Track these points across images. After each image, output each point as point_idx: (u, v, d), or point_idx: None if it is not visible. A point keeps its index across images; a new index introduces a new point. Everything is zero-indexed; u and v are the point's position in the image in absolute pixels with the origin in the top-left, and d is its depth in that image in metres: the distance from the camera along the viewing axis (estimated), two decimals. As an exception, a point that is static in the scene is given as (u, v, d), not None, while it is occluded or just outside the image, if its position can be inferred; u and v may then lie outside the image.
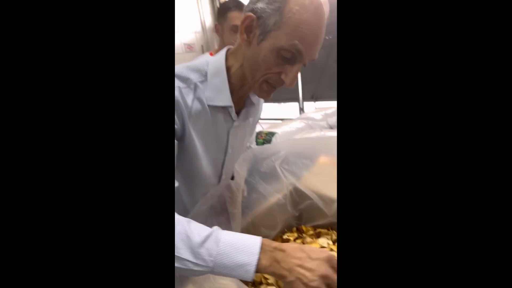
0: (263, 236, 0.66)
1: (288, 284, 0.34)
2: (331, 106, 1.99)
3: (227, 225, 0.54)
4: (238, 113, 0.59)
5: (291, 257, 0.34)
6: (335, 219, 0.64)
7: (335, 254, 0.37)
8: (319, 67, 2.74)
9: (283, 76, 0.48)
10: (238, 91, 0.56)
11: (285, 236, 0.67)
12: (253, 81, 0.51)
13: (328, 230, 0.67)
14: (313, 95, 3.12)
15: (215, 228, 0.39)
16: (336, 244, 0.60)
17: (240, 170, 0.59)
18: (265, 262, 0.34)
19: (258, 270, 0.34)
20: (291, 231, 0.70)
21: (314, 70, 2.76)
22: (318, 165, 0.66)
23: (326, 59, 2.68)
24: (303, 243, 0.62)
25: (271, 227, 0.66)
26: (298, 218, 0.73)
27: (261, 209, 0.64)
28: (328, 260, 0.35)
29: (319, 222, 0.69)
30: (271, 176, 0.66)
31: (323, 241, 0.62)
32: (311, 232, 0.67)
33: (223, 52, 0.56)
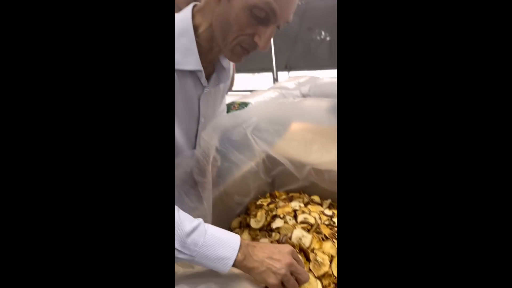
0: (237, 203, 0.67)
1: (259, 275, 0.38)
2: (305, 75, 1.97)
3: (197, 195, 0.52)
4: (207, 78, 0.55)
5: (261, 251, 0.39)
6: (306, 183, 0.66)
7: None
8: (292, 35, 2.65)
9: (256, 39, 0.44)
10: (207, 54, 0.51)
11: (258, 202, 0.68)
12: (224, 44, 0.46)
13: (300, 193, 0.68)
14: (286, 65, 3.07)
15: (201, 220, 0.40)
16: (307, 206, 0.63)
17: (209, 138, 0.57)
18: (240, 256, 0.38)
19: (234, 264, 0.38)
20: (265, 197, 0.71)
21: (287, 39, 2.68)
22: (290, 131, 0.65)
23: (299, 26, 2.60)
24: (276, 207, 0.63)
25: (244, 194, 0.66)
26: (271, 184, 0.74)
27: (234, 177, 0.64)
28: (292, 252, 0.41)
29: (291, 187, 0.70)
30: (242, 144, 0.64)
31: (295, 204, 0.63)
32: (283, 196, 0.69)
33: (189, 9, 0.49)
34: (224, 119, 0.64)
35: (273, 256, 0.39)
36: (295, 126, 0.66)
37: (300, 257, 0.45)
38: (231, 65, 0.66)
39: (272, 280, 0.37)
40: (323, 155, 0.59)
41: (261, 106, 0.64)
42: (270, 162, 0.69)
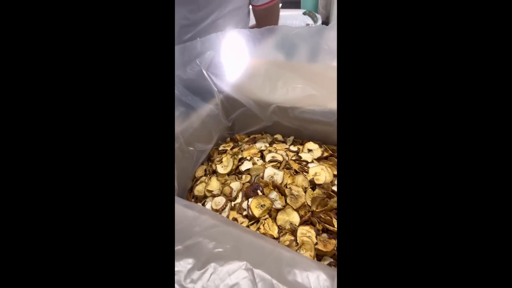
0: (199, 151, 0.61)
1: None
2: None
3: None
4: None
5: None
6: (268, 123, 0.64)
7: None
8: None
9: None
10: None
11: (220, 148, 0.64)
12: None
13: (262, 134, 0.67)
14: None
15: None
16: (272, 145, 0.62)
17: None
18: None
19: None
20: (225, 142, 0.68)
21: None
22: (251, 67, 0.59)
23: None
24: (241, 150, 0.61)
25: (206, 140, 0.61)
26: (231, 128, 0.70)
27: (192, 123, 0.56)
28: None
29: (253, 129, 0.68)
30: (198, 83, 0.55)
31: (260, 145, 0.62)
32: (246, 139, 0.66)
33: None
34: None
35: None
36: (256, 62, 0.60)
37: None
38: None
39: None
40: (289, 91, 0.56)
41: (218, 37, 0.53)
42: (230, 104, 0.63)
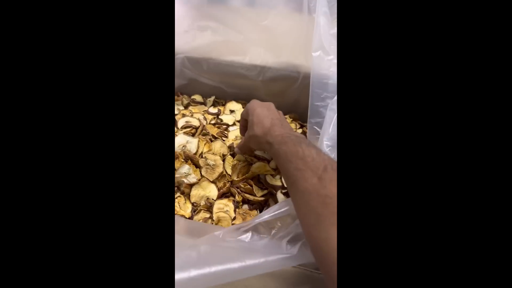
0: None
1: None
2: None
3: None
4: None
5: None
6: (183, 81, 0.52)
7: None
8: None
9: None
10: None
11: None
12: None
13: (178, 95, 0.55)
14: None
15: None
16: (188, 108, 0.52)
17: None
18: None
19: None
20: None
21: None
22: None
23: None
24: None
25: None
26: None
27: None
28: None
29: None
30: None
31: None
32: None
33: None
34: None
35: None
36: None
37: None
38: None
39: None
40: (197, 36, 0.44)
41: None
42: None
